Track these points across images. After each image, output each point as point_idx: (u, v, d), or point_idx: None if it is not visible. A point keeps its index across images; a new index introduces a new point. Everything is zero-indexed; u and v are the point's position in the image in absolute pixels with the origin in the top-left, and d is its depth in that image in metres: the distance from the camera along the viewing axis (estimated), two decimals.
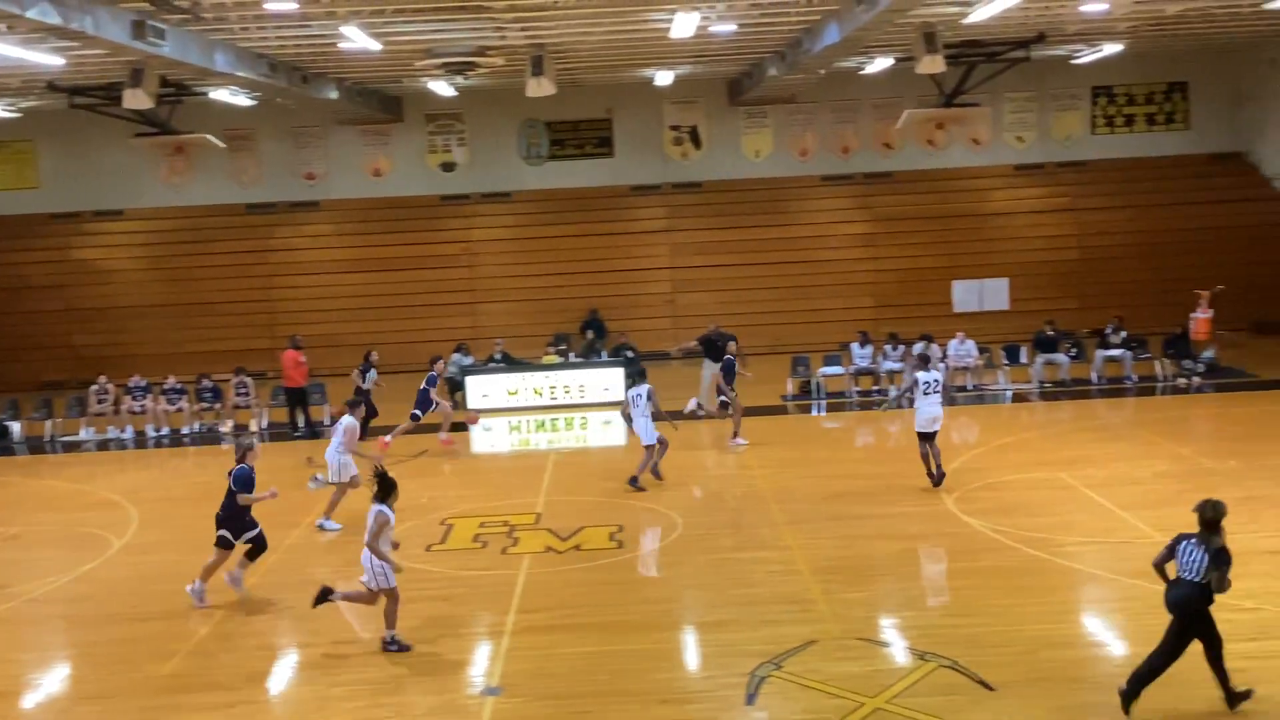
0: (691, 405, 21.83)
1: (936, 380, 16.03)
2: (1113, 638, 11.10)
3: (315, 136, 31.26)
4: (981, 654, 10.36)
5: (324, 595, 11.71)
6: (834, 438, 21.18)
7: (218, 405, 23.34)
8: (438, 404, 20.17)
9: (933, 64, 19.93)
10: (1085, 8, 20.82)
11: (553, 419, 23.00)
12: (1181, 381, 23.14)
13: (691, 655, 11.08)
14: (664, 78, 27.83)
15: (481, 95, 29.76)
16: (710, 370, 22.47)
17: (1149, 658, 9.20)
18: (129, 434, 23.00)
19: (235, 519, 12.76)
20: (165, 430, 23.07)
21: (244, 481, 12.74)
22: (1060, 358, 23.77)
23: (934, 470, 15.98)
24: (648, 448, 16.96)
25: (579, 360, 25.18)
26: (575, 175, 31.38)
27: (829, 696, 9.66)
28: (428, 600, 12.48)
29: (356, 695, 10.31)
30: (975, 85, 25.10)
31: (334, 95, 25.85)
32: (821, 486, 16.79)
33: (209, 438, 22.78)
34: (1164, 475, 16.41)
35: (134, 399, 23.26)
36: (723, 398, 19.82)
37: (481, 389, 23.76)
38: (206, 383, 23.59)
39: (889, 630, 11.41)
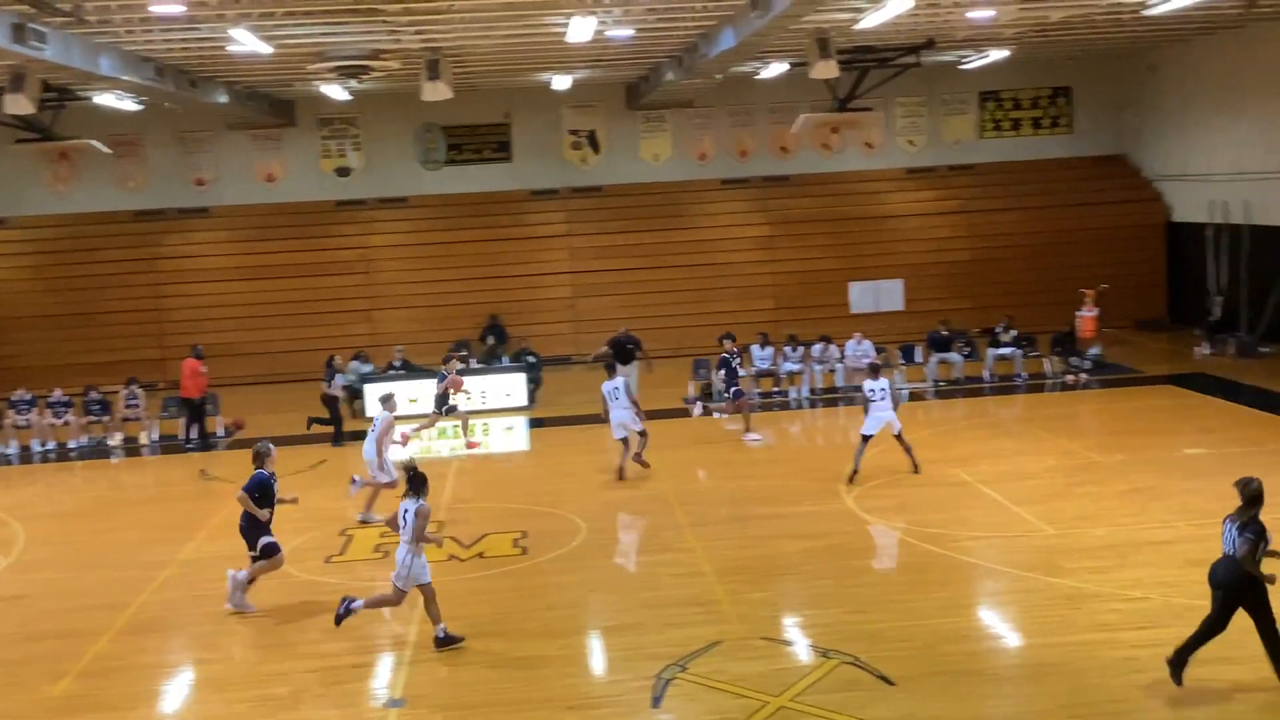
0: (697, 410, 21.76)
1: (884, 389, 16.75)
2: (1008, 630, 11.36)
3: (205, 141, 30.60)
4: (882, 649, 10.52)
5: (346, 608, 11.32)
6: (736, 439, 21.34)
7: (106, 418, 22.69)
8: (454, 405, 19.71)
9: (826, 69, 20.22)
10: (973, 14, 21.31)
11: (454, 426, 22.79)
12: (1069, 378, 23.81)
13: (597, 660, 11.08)
14: (562, 82, 27.80)
15: (377, 99, 29.42)
16: (624, 373, 22.52)
17: (1197, 628, 9.43)
18: (13, 449, 22.23)
19: (255, 526, 12.44)
20: (51, 445, 22.35)
21: (258, 487, 12.40)
22: (954, 356, 24.29)
23: (912, 462, 16.80)
24: (641, 434, 17.62)
25: (480, 366, 25.00)
26: (474, 180, 31.19)
27: (734, 696, 9.73)
28: (328, 612, 12.26)
29: (255, 713, 10.10)
30: (868, 90, 25.49)
31: (224, 99, 25.32)
32: (724, 488, 16.93)
33: (97, 451, 22.14)
34: (1054, 470, 16.85)
35: (18, 413, 22.49)
36: (736, 389, 20.37)
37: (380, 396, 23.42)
38: (94, 395, 22.92)
39: (792, 629, 11.54)
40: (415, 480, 11.21)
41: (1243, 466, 16.37)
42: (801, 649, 10.95)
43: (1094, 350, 24.71)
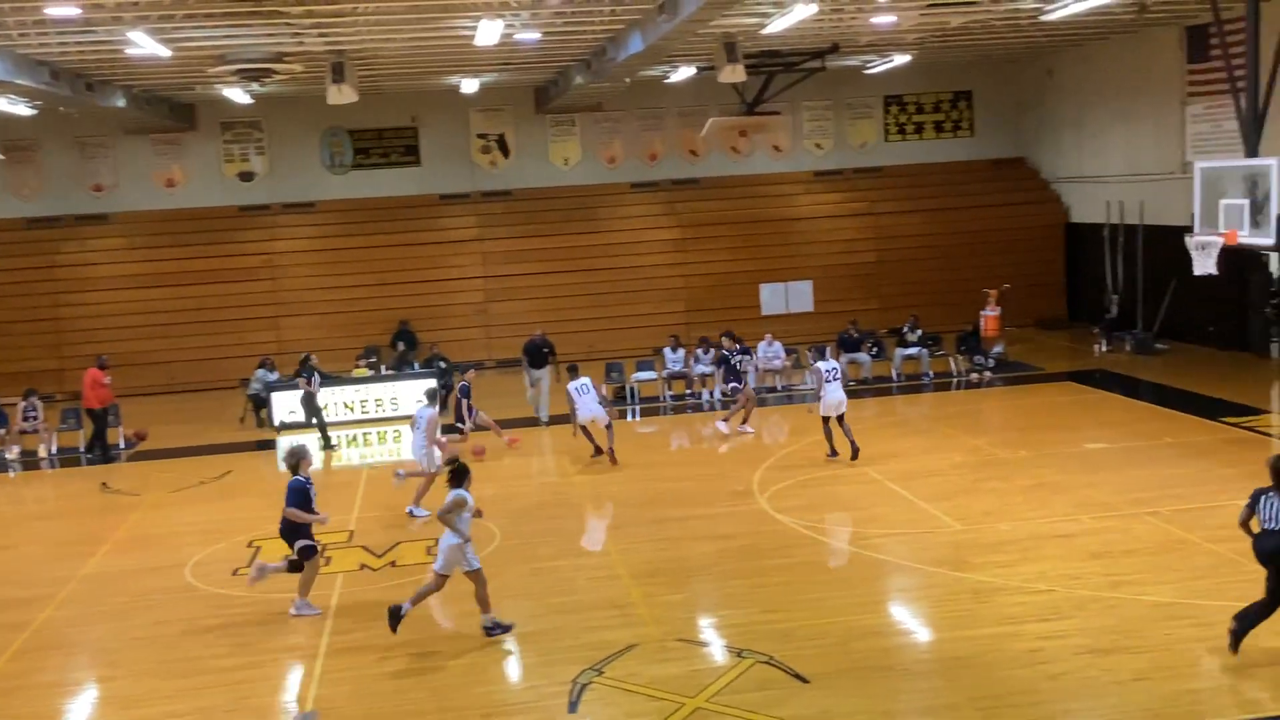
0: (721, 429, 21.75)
1: (836, 368, 17.71)
2: (918, 625, 11.55)
3: (102, 146, 29.85)
4: (796, 647, 10.62)
5: (396, 615, 11.32)
6: (649, 442, 21.40)
7: (2, 431, 21.97)
8: (475, 413, 19.63)
9: (734, 73, 20.39)
10: (875, 20, 21.65)
11: (365, 433, 22.53)
12: (974, 376, 24.29)
13: (513, 666, 11.01)
14: (470, 85, 27.64)
15: (281, 102, 28.96)
16: (537, 376, 22.48)
17: (1257, 605, 9.77)
18: None
19: (295, 529, 12.26)
20: None
21: (298, 495, 12.18)
22: (862, 357, 24.63)
23: (851, 445, 17.49)
24: (607, 428, 18.42)
25: (390, 373, 24.72)
26: (381, 184, 30.86)
27: (650, 699, 9.75)
28: (236, 625, 12.06)
29: None
30: (775, 94, 25.82)
31: (122, 103, 24.73)
32: (638, 491, 16.95)
33: None
34: (960, 466, 17.17)
35: None
36: (734, 384, 20.73)
37: (288, 405, 23.04)
38: None
39: (707, 630, 11.59)
40: (456, 473, 11.56)
41: (1141, 460, 16.93)
42: (717, 649, 11.01)
43: (997, 349, 25.23)
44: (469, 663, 10.87)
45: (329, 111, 26.39)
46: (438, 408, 16.77)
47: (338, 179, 30.87)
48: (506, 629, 11.41)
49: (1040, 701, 9.37)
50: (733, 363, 20.99)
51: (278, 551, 14.55)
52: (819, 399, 17.74)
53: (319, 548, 12.66)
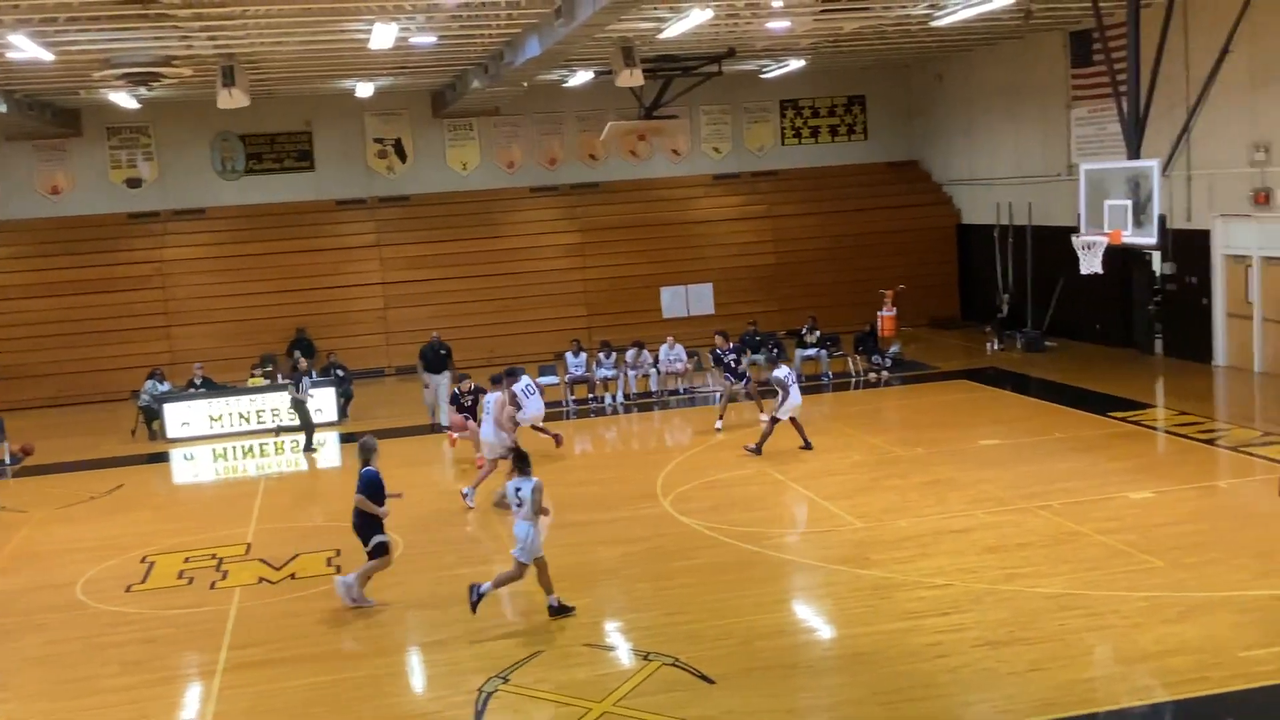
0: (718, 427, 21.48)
1: (792, 372, 18.56)
2: (821, 623, 11.70)
3: None
4: (701, 649, 10.68)
5: (477, 594, 11.64)
6: (552, 447, 21.34)
7: None
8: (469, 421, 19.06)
9: (631, 78, 20.45)
10: (770, 25, 21.90)
11: (261, 444, 22.11)
12: (872, 376, 24.69)
13: (417, 677, 10.90)
14: (365, 89, 27.29)
15: (169, 107, 28.29)
16: (436, 381, 22.29)
17: None
18: None
19: (370, 524, 12.30)
20: None
21: (371, 485, 12.26)
22: (763, 358, 24.86)
23: (805, 440, 18.18)
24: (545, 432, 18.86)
25: (287, 382, 24.27)
26: (275, 190, 30.33)
27: (557, 705, 9.72)
28: (131, 644, 11.74)
29: None
30: (673, 98, 25.97)
31: (3, 109, 23.90)
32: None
33: None
34: (860, 465, 17.44)
35: None
36: (740, 380, 21.00)
37: (181, 416, 22.53)
38: None
39: (613, 633, 11.59)
40: (521, 459, 11.90)
41: (1032, 455, 17.36)
42: (623, 653, 11.02)
43: (894, 348, 25.68)
44: (372, 675, 10.72)
45: (220, 116, 25.90)
46: (504, 391, 16.97)
47: (230, 185, 30.25)
48: (569, 610, 11.69)
49: (940, 694, 9.55)
50: (726, 361, 21.07)
51: (170, 570, 14.26)
52: (781, 404, 18.04)
53: (390, 544, 12.64)
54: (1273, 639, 10.06)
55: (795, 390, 18.27)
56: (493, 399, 16.87)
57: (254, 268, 28.96)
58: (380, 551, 12.45)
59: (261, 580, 13.68)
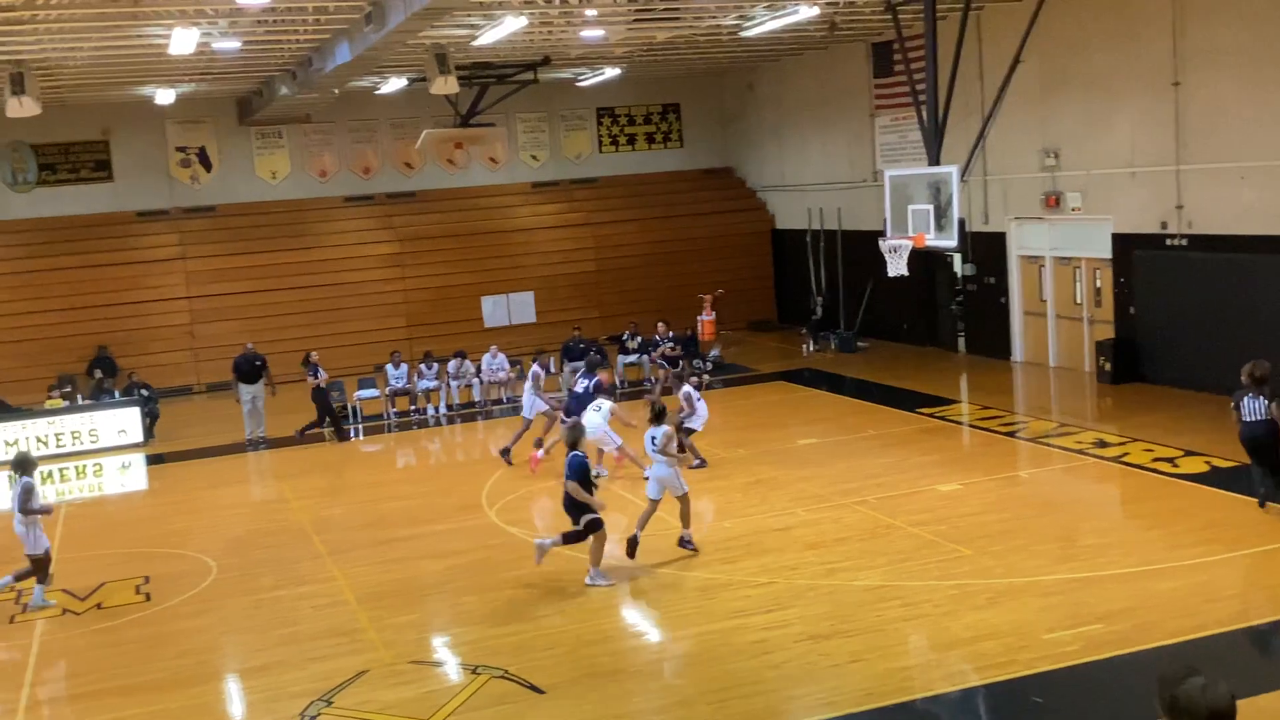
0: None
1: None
2: (650, 626, 11.77)
3: None
4: (530, 659, 10.61)
5: (634, 543, 12.96)
6: (373, 461, 20.95)
7: None
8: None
9: (446, 85, 20.23)
10: (585, 33, 22.00)
11: (61, 469, 20.99)
12: (693, 379, 24.96)
13: (235, 705, 10.51)
14: (166, 96, 26.20)
15: None
16: (252, 392, 21.60)
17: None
18: None
19: (579, 504, 12.60)
20: None
21: (580, 469, 12.60)
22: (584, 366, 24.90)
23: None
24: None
25: (88, 403, 23.12)
26: (71, 202, 28.86)
27: None
28: None
29: None
30: (489, 106, 25.83)
31: None
32: (363, 512, 16.54)
33: None
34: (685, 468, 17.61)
35: None
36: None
37: None
38: None
39: (440, 649, 11.42)
40: (659, 413, 13.64)
41: (847, 452, 17.88)
42: (451, 668, 10.87)
43: (714, 352, 26.10)
44: (187, 706, 10.27)
45: (9, 125, 24.52)
46: (605, 377, 18.54)
47: (20, 197, 28.65)
48: (693, 550, 13.13)
49: (766, 690, 9.72)
50: (663, 348, 21.64)
51: None
52: (690, 418, 17.52)
53: (602, 520, 12.75)
54: (1074, 621, 10.60)
55: (701, 406, 17.67)
56: (601, 398, 17.37)
57: (49, 284, 27.45)
58: (594, 527, 12.67)
59: (65, 612, 12.97)
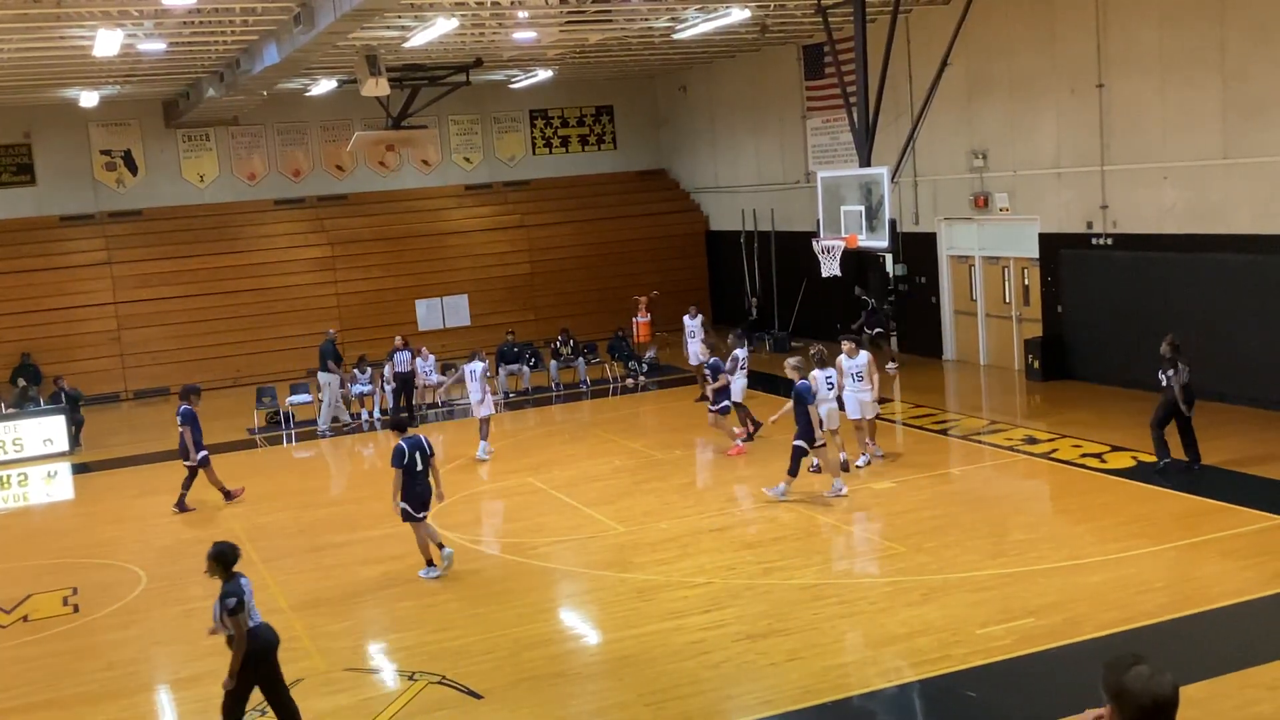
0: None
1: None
2: (588, 628, 11.76)
3: None
4: (468, 664, 10.56)
5: (844, 466, 15.63)
6: (307, 467, 20.70)
7: None
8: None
9: (377, 87, 20.06)
10: (517, 35, 21.94)
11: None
12: (629, 382, 25.05)
13: (166, 717, 10.34)
14: (90, 98, 25.72)
15: None
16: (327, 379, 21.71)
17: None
18: None
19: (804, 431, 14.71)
20: None
21: (802, 398, 14.80)
22: (521, 368, 24.86)
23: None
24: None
25: (11, 411, 22.61)
26: None
27: None
28: None
29: None
30: (421, 108, 25.66)
31: None
32: (297, 518, 16.35)
33: None
34: (620, 470, 17.65)
35: None
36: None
37: None
38: None
39: (377, 655, 11.32)
40: (822, 359, 15.93)
41: (783, 452, 17.93)
42: (388, 675, 10.77)
43: (649, 354, 26.14)
44: (117, 718, 10.08)
45: None
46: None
47: None
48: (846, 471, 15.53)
49: (704, 690, 9.75)
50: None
51: None
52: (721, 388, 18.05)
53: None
54: (1005, 615, 10.76)
55: (740, 374, 18.80)
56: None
57: None
58: (802, 453, 14.94)
59: None
